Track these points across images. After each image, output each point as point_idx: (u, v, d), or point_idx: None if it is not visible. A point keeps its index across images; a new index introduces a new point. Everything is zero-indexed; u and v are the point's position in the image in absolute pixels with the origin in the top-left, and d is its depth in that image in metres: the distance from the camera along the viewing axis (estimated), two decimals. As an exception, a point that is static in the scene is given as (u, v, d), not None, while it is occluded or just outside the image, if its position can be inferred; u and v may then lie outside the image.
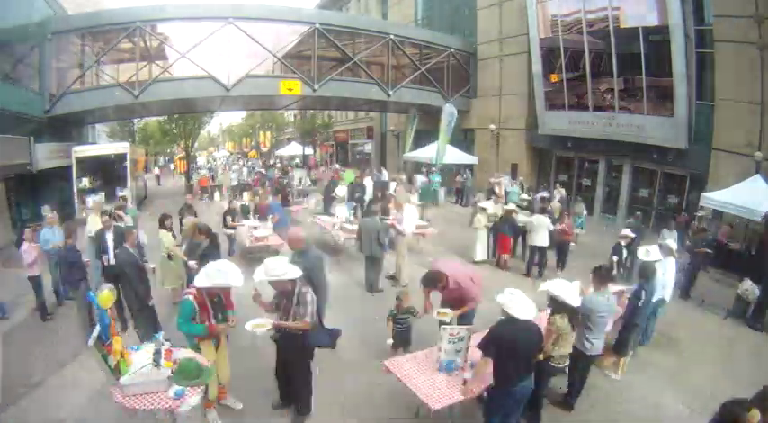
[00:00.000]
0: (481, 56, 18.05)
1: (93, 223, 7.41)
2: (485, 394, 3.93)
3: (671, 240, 6.05)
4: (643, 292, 4.77)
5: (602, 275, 4.41)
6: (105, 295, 3.40)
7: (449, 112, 15.94)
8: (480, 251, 9.25)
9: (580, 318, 4.12)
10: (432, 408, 3.46)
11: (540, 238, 8.46)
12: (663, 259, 5.64)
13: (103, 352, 3.36)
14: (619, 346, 4.96)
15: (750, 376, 5.31)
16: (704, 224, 9.48)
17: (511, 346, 3.32)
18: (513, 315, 3.38)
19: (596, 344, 4.28)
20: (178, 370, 3.44)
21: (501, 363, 3.39)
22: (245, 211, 11.97)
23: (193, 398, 3.32)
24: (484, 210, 9.37)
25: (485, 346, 3.42)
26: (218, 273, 3.79)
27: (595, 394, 4.69)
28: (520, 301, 3.44)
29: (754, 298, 6.85)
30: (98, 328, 3.32)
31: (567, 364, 4.08)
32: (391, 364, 4.02)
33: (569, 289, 3.90)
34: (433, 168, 16.91)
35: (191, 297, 3.78)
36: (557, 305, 3.90)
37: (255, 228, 9.34)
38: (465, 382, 3.69)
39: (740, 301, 7.05)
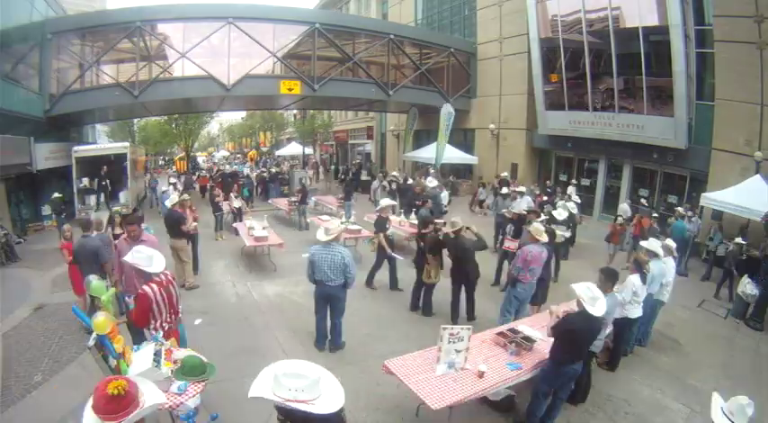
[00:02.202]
0: (481, 56, 18.04)
1: None
2: (489, 397, 3.95)
3: (671, 241, 6.05)
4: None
5: (609, 276, 4.37)
6: (101, 322, 3.28)
7: (446, 112, 15.96)
8: None
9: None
10: (432, 408, 3.46)
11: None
12: (663, 259, 5.65)
13: (103, 352, 3.36)
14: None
15: (750, 376, 5.33)
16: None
17: (576, 337, 3.74)
18: (587, 310, 3.64)
19: (601, 343, 4.44)
20: (186, 366, 3.44)
21: (561, 346, 3.80)
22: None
23: (195, 398, 3.32)
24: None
25: (555, 330, 3.81)
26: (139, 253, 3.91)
27: (596, 394, 4.69)
28: (596, 298, 3.70)
29: (753, 298, 6.86)
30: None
31: None
32: (391, 364, 4.02)
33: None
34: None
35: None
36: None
37: (252, 228, 9.32)
38: (482, 374, 3.83)
39: (740, 301, 7.06)
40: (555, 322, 3.85)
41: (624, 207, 11.25)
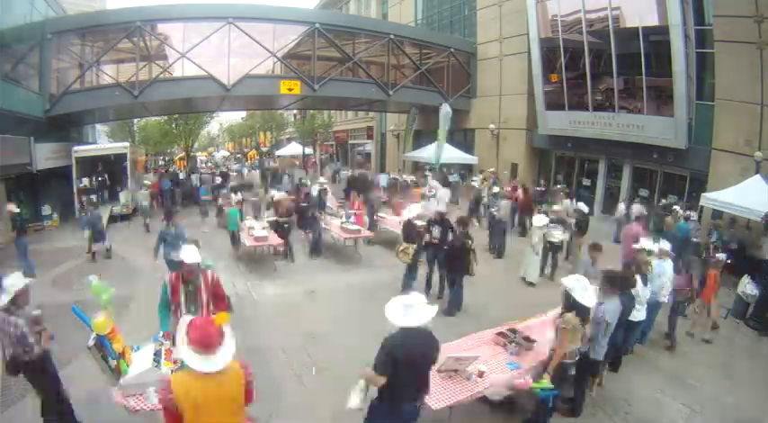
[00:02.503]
0: (481, 56, 18.04)
1: None
2: (488, 397, 3.93)
3: (665, 242, 6.05)
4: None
5: (613, 280, 4.26)
6: (101, 322, 3.30)
7: (445, 112, 15.85)
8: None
9: (591, 324, 4.00)
10: (432, 408, 3.46)
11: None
12: (660, 261, 5.65)
13: (103, 352, 3.36)
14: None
15: (750, 376, 5.33)
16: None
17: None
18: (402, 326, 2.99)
19: (604, 350, 4.21)
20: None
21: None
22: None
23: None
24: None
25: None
26: (183, 250, 3.98)
27: (596, 394, 4.69)
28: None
29: (754, 298, 6.85)
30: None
31: (576, 358, 3.94)
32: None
33: (586, 287, 3.81)
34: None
35: (166, 278, 3.95)
36: (569, 302, 3.81)
37: (253, 228, 9.31)
38: (482, 374, 3.79)
39: (740, 301, 7.06)
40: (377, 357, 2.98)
41: (638, 207, 11.03)
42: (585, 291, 3.78)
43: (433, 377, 3.77)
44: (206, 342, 2.30)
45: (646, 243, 5.71)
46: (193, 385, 2.31)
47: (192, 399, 2.29)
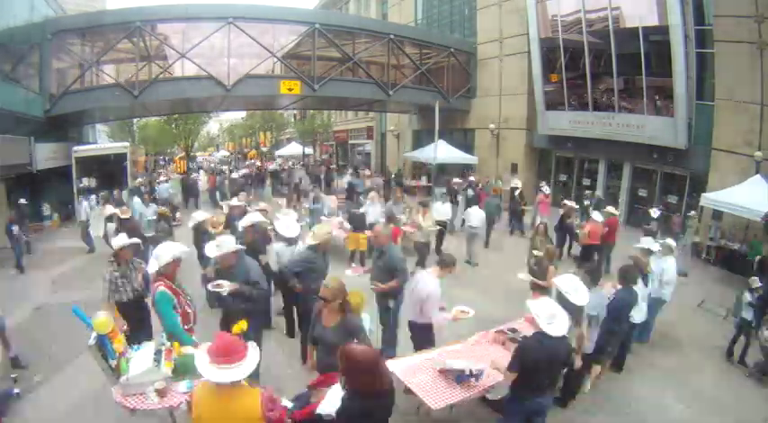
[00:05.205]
0: (481, 56, 18.03)
1: None
2: (487, 396, 3.93)
3: (670, 239, 6.06)
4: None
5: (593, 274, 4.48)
6: (102, 321, 3.32)
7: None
8: None
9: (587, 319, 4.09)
10: (432, 407, 3.46)
11: None
12: (661, 258, 5.65)
13: (103, 352, 3.36)
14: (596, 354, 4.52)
15: (750, 376, 5.33)
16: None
17: (535, 366, 3.17)
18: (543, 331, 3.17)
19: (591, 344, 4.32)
20: (182, 369, 3.44)
21: (520, 378, 3.25)
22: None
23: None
24: None
25: (514, 366, 3.25)
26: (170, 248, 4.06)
27: (596, 394, 4.69)
28: (554, 316, 3.22)
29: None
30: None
31: None
32: (391, 364, 4.02)
33: (578, 286, 3.85)
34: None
35: (161, 286, 3.74)
36: (562, 302, 3.81)
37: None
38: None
39: (741, 301, 7.04)
40: (511, 357, 3.30)
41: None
42: (576, 291, 3.79)
43: (434, 377, 3.79)
44: (223, 352, 2.30)
45: (647, 242, 5.71)
46: (204, 397, 2.35)
47: (199, 410, 2.34)
